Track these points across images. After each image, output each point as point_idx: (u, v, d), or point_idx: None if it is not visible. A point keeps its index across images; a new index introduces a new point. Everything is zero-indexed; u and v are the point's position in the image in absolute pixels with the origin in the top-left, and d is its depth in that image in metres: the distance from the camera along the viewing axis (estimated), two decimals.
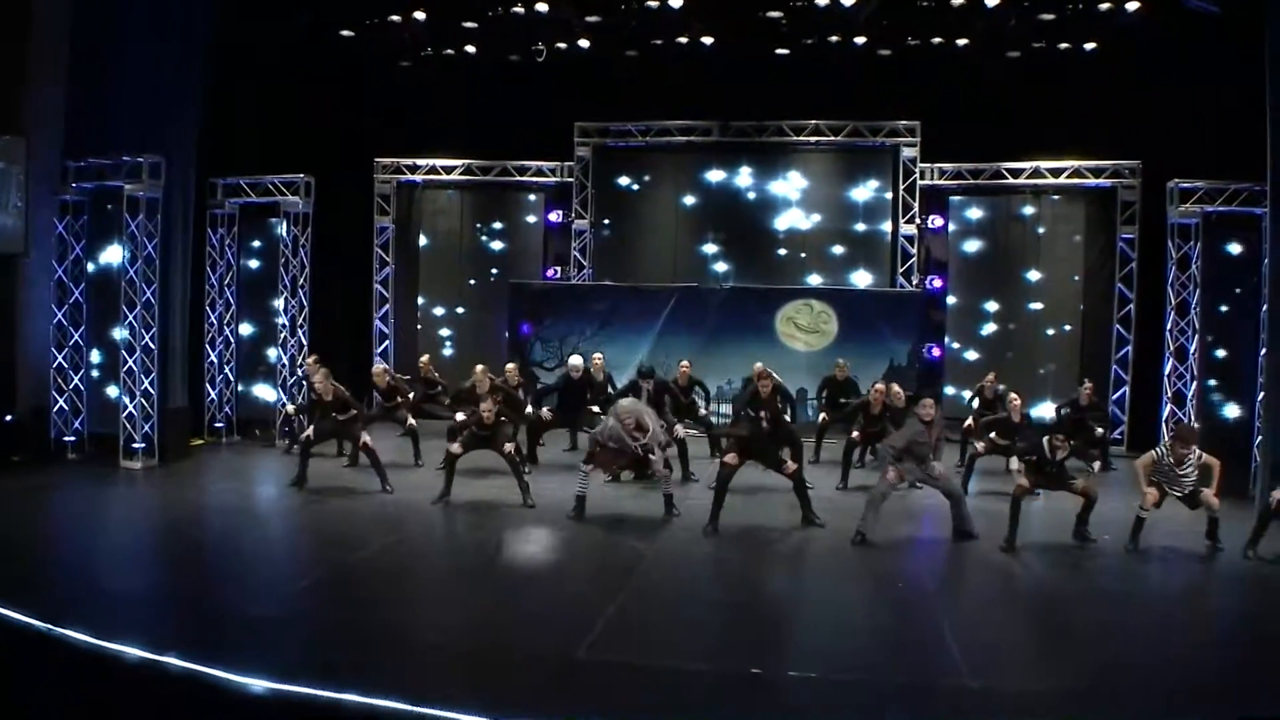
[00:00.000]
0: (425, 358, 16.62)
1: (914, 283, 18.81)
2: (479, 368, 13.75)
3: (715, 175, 19.70)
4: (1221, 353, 14.38)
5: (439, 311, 20.68)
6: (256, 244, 17.52)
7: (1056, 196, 18.71)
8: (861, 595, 9.30)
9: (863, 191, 19.40)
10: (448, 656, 7.33)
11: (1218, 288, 14.34)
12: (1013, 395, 13.62)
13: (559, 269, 20.07)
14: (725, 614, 8.55)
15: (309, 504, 12.17)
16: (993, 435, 13.52)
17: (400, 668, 6.99)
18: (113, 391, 14.49)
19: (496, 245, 20.59)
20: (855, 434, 14.10)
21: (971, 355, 18.95)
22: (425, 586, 9.26)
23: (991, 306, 18.97)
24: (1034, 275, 18.77)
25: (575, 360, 15.16)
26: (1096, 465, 10.81)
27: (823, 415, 15.34)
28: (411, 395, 15.02)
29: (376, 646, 7.39)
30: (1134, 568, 10.19)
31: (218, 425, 16.89)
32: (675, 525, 11.20)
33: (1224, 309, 14.41)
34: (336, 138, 18.30)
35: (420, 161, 20.21)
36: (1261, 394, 13.22)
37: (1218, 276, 14.36)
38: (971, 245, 19.22)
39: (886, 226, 19.27)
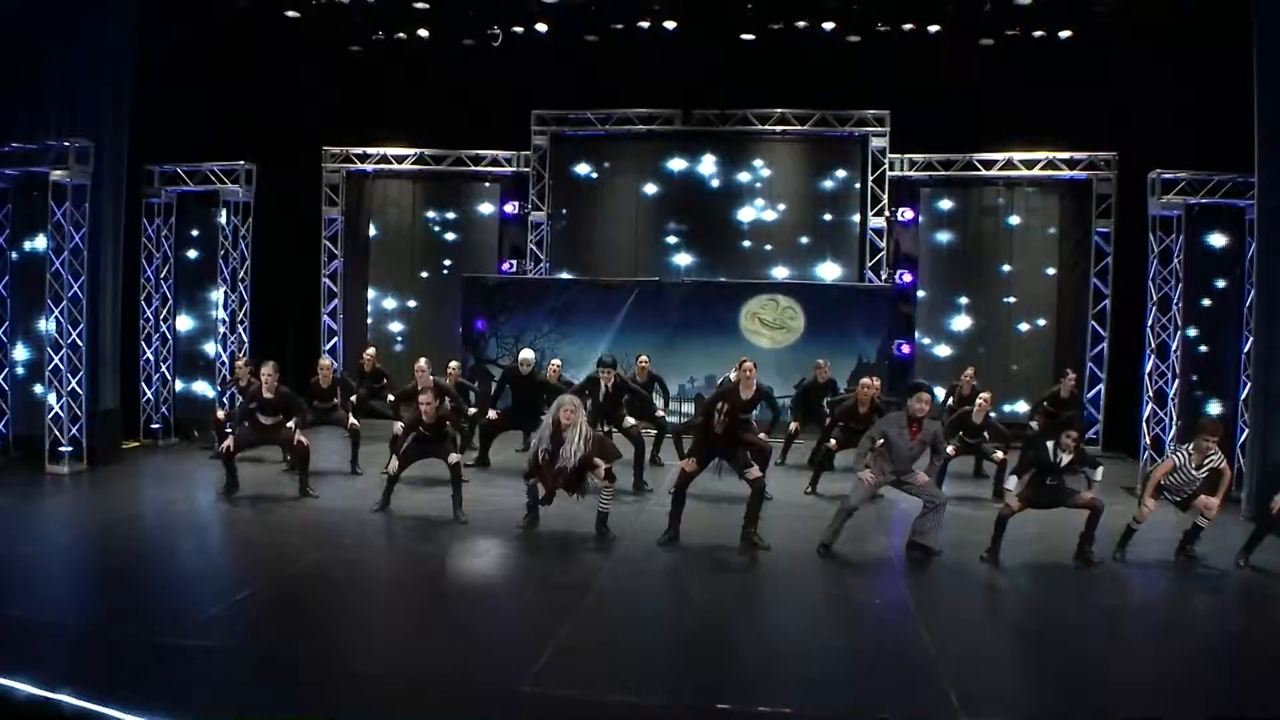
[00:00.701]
0: (370, 351, 15.85)
1: (883, 277, 18.22)
2: (421, 361, 12.87)
3: (678, 164, 19.02)
4: (1204, 348, 13.77)
5: (390, 305, 19.92)
6: (195, 234, 16.61)
7: (1030, 189, 18.16)
8: (837, 616, 8.50)
9: (830, 183, 18.80)
10: (379, 688, 6.55)
11: (1200, 282, 13.73)
12: (982, 395, 12.98)
13: (515, 262, 19.34)
14: (687, 639, 7.78)
15: (240, 514, 11.24)
16: (961, 434, 12.96)
17: (327, 702, 6.25)
18: (39, 390, 13.59)
19: (450, 236, 19.87)
20: (833, 442, 13.12)
21: (942, 351, 18.41)
22: (357, 608, 8.34)
23: (963, 301, 18.40)
24: (1007, 269, 18.26)
25: (526, 354, 13.99)
26: (1100, 472, 9.93)
27: (794, 425, 14.49)
28: (354, 397, 14.23)
29: (301, 678, 6.62)
30: (1124, 579, 9.51)
31: (154, 427, 16.02)
32: (633, 539, 10.35)
33: (1206, 303, 13.81)
34: (282, 125, 17.51)
35: (370, 150, 19.53)
36: (1246, 388, 12.73)
37: (1200, 270, 13.75)
38: (942, 238, 18.64)
39: (855, 219, 18.67)
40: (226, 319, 16.34)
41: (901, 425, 9.84)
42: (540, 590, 8.78)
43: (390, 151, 19.45)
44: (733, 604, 8.69)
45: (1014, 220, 18.25)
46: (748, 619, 8.37)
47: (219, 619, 7.65)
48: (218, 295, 16.31)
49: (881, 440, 9.89)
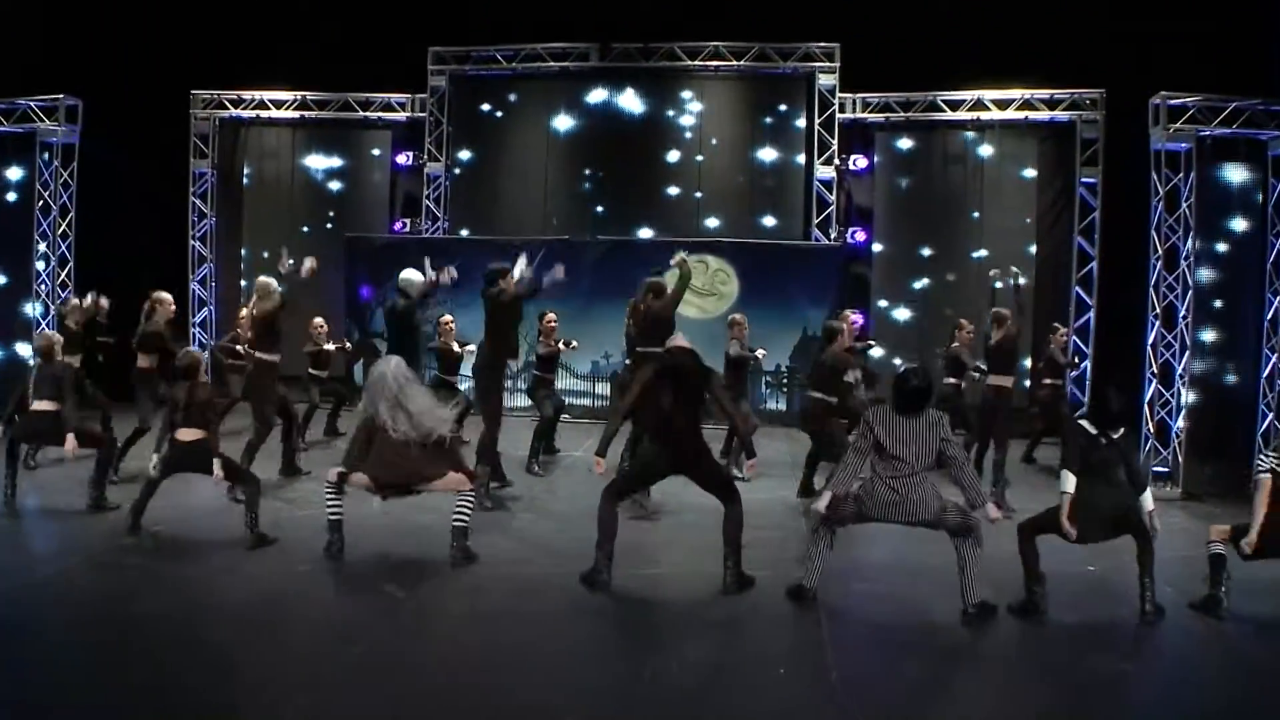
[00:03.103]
0: (319, 321, 13.21)
1: (832, 235, 15.74)
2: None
3: (596, 95, 16.64)
4: (1219, 303, 11.14)
5: (266, 255, 17.15)
6: (17, 180, 13.84)
7: (1004, 131, 15.71)
8: (722, 685, 5.51)
9: (771, 127, 16.37)
10: None
11: (1214, 228, 11.13)
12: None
13: (408, 221, 16.82)
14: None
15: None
16: None
17: None
18: None
19: (335, 186, 17.39)
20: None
21: (902, 314, 16.00)
22: (47, 655, 5.61)
23: (926, 254, 16.00)
24: (976, 215, 15.82)
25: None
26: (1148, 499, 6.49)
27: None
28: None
29: None
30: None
31: None
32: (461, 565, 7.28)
33: (1221, 249, 11.21)
34: (143, 64, 15.18)
35: (245, 94, 17.09)
36: (1270, 362, 10.35)
37: (1214, 215, 11.14)
38: (901, 188, 16.19)
39: (800, 162, 16.23)
40: (48, 280, 13.68)
41: None
42: (308, 634, 6.06)
43: (268, 96, 17.02)
44: (580, 670, 5.70)
45: (985, 168, 15.78)
46: (597, 694, 5.37)
47: None
48: (44, 251, 13.68)
49: None
